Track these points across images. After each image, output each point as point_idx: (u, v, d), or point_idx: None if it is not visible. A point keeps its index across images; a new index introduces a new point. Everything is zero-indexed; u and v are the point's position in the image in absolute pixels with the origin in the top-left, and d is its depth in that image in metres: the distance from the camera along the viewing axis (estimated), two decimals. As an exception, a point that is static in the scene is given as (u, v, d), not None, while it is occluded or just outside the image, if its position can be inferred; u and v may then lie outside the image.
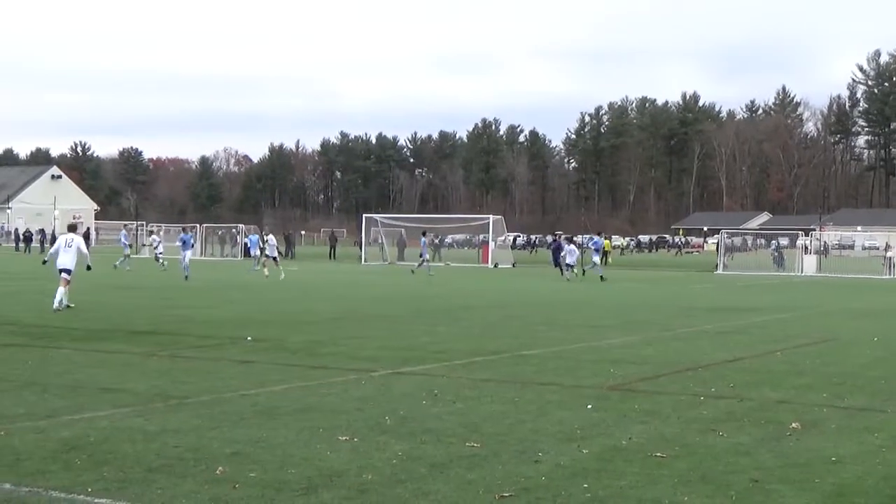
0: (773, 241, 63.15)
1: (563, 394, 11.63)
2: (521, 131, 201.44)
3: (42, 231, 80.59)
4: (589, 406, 10.71)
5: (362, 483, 7.36)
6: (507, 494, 7.11)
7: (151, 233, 63.99)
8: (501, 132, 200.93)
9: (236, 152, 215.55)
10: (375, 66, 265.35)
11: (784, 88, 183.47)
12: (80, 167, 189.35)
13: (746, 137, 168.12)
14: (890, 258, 53.80)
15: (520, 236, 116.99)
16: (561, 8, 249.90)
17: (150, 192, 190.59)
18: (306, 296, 29.88)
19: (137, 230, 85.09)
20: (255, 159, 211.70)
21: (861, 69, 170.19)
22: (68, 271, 22.32)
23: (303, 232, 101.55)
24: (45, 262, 24.54)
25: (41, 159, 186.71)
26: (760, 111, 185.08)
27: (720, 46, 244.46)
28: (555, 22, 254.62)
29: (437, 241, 71.30)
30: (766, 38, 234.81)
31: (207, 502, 6.84)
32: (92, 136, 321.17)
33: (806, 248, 60.23)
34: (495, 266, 57.95)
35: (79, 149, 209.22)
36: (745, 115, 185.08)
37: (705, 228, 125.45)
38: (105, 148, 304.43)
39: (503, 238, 68.29)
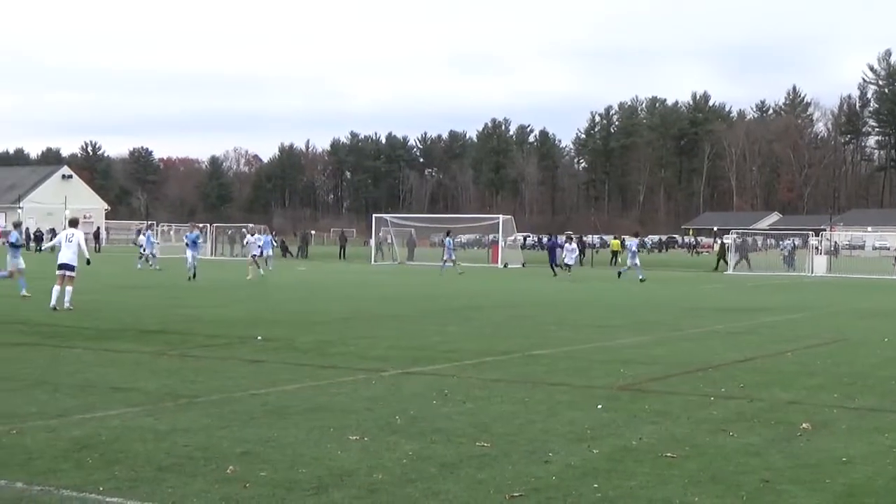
0: (788, 242, 62.88)
1: (574, 394, 11.63)
2: (531, 131, 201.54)
3: (53, 230, 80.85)
4: (599, 406, 10.70)
5: (373, 483, 7.36)
6: (517, 494, 7.11)
7: (139, 233, 63.83)
8: (511, 132, 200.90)
9: (246, 152, 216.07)
10: (386, 66, 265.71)
11: (794, 88, 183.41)
12: (91, 167, 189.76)
13: (757, 137, 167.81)
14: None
15: (529, 236, 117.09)
16: (571, 8, 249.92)
17: (160, 191, 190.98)
18: (316, 295, 29.90)
19: (147, 229, 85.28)
20: (266, 159, 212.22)
21: (872, 69, 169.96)
22: (72, 268, 22.21)
23: (313, 232, 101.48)
24: (51, 249, 23.97)
25: (52, 159, 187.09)
26: (771, 111, 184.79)
27: (730, 46, 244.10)
28: (565, 22, 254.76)
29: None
30: (776, 38, 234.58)
31: (218, 501, 6.85)
32: (102, 135, 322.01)
33: (816, 248, 60.09)
34: (505, 266, 57.93)
35: (89, 149, 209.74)
36: (756, 115, 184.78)
37: (715, 228, 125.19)
38: (115, 148, 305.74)
39: (513, 238, 68.28)
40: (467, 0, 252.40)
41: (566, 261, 42.81)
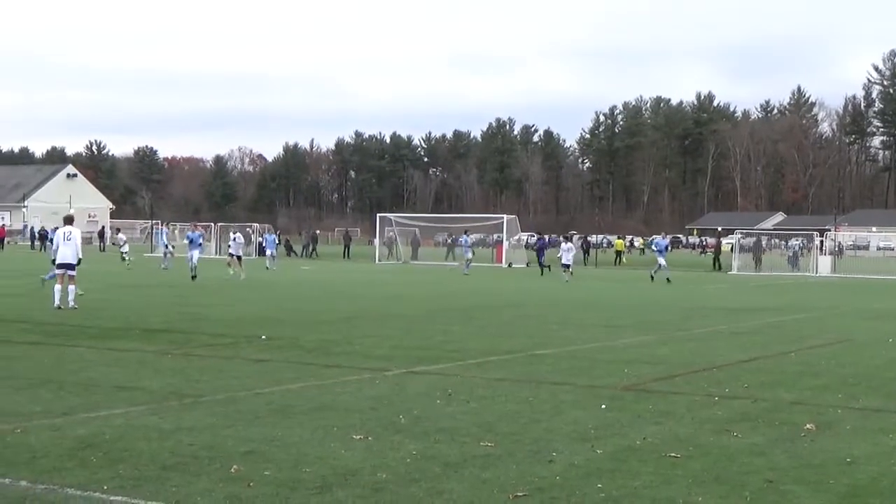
0: (797, 241, 62.76)
1: (578, 394, 11.63)
2: (536, 131, 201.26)
3: (56, 230, 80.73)
4: (603, 406, 10.71)
5: (377, 482, 7.37)
6: (521, 494, 7.11)
7: (118, 230, 63.54)
8: (516, 132, 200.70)
9: (251, 151, 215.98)
10: (390, 66, 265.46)
11: (799, 88, 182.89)
12: (96, 166, 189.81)
13: (761, 137, 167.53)
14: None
15: (533, 236, 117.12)
16: (575, 7, 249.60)
17: (164, 191, 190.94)
18: (320, 295, 29.91)
19: (153, 229, 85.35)
20: (270, 158, 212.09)
21: (876, 69, 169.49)
22: (72, 267, 22.12)
23: (317, 231, 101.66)
24: (53, 260, 23.24)
25: (56, 158, 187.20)
26: (775, 111, 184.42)
27: (735, 46, 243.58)
28: (569, 21, 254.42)
29: (450, 240, 71.42)
30: (780, 38, 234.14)
31: (222, 500, 6.86)
32: (107, 135, 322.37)
33: (821, 248, 60.05)
34: (509, 266, 57.96)
35: (94, 148, 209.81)
36: (760, 115, 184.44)
37: (720, 229, 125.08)
38: (120, 147, 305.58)
39: (517, 238, 68.28)
40: (472, 0, 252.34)
41: (563, 261, 42.05)
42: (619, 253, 69.32)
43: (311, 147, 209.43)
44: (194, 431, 8.99)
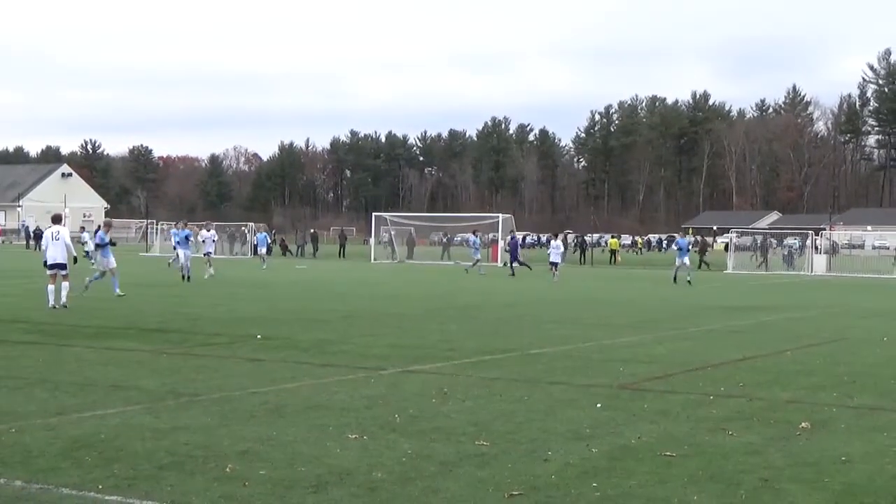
0: (794, 241, 62.80)
1: (573, 393, 11.64)
2: (531, 130, 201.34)
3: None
4: (598, 405, 10.71)
5: (372, 481, 7.37)
6: (516, 493, 7.12)
7: (83, 229, 62.75)
8: (511, 131, 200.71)
9: (246, 150, 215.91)
10: (386, 65, 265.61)
11: (794, 87, 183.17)
12: (91, 165, 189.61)
13: (756, 136, 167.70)
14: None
15: (529, 235, 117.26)
16: (571, 6, 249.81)
17: (160, 190, 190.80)
18: (316, 294, 29.89)
19: (147, 228, 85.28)
20: (265, 157, 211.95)
21: (871, 68, 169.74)
22: (63, 266, 22.04)
23: (312, 230, 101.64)
24: (44, 262, 22.51)
25: (51, 157, 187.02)
26: (771, 110, 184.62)
27: (730, 45, 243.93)
28: (565, 20, 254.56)
29: (445, 239, 71.39)
30: (776, 37, 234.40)
31: (217, 500, 6.86)
32: (102, 134, 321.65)
33: (816, 247, 60.13)
34: (505, 265, 57.88)
35: (89, 147, 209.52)
36: (756, 115, 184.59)
37: (715, 227, 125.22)
38: (115, 146, 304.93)
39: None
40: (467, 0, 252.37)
41: (551, 259, 41.70)
42: (613, 252, 69.54)
43: (307, 146, 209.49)
44: (190, 431, 8.99)
